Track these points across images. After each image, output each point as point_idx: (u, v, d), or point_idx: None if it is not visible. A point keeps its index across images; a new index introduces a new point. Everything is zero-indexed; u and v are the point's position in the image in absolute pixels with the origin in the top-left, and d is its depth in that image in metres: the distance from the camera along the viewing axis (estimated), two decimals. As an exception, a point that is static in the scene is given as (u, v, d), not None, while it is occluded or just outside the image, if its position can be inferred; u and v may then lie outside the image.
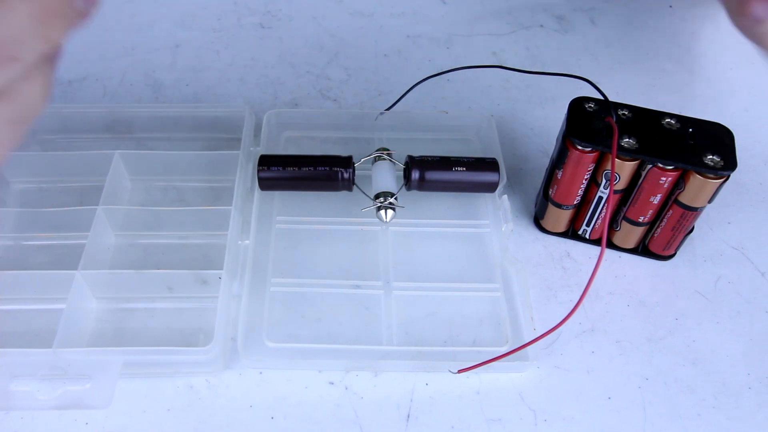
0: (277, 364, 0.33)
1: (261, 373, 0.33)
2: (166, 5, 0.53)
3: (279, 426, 0.31)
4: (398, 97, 0.43)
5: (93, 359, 0.30)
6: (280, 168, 0.37)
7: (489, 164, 0.38)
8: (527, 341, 0.32)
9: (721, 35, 0.53)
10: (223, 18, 0.52)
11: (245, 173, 0.39)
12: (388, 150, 0.39)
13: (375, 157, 0.39)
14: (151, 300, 0.34)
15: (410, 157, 0.38)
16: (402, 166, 0.39)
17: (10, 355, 0.30)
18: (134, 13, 0.52)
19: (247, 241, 0.36)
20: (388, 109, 0.42)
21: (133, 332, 0.33)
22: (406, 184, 0.38)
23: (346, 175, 0.37)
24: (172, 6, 0.53)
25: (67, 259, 0.35)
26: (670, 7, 0.55)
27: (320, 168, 0.37)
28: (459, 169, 0.38)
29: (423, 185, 0.38)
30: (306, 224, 0.38)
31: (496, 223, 0.39)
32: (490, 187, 0.38)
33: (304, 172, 0.37)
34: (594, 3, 0.55)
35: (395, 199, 0.37)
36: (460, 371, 0.32)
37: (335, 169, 0.37)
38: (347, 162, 0.37)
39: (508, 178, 0.41)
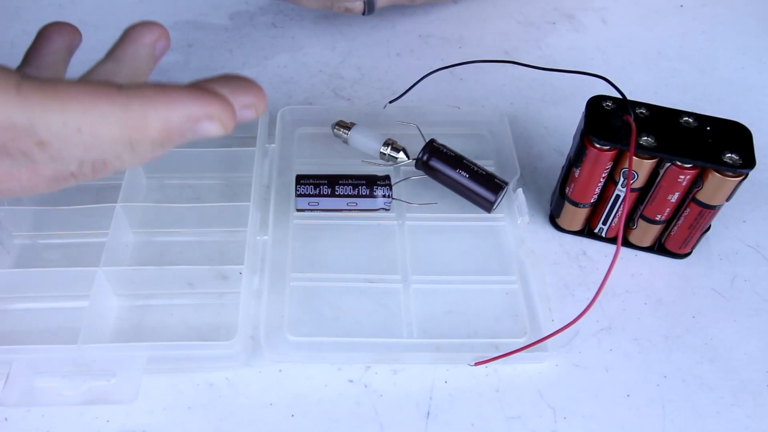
0: (299, 358, 0.33)
1: (280, 371, 0.33)
2: (178, 5, 0.53)
3: (299, 424, 0.31)
4: (406, 89, 0.43)
5: (118, 355, 0.30)
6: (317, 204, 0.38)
7: (493, 182, 0.38)
8: (545, 332, 0.33)
9: (733, 34, 0.53)
10: (235, 17, 0.52)
11: (261, 169, 0.39)
12: (394, 142, 0.40)
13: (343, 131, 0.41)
14: (171, 296, 0.34)
15: (432, 140, 0.39)
16: (403, 158, 0.40)
17: (35, 352, 0.30)
18: (147, 13, 0.52)
19: (265, 237, 0.36)
20: (397, 98, 0.42)
21: (153, 329, 0.33)
22: (416, 161, 0.39)
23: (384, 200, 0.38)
24: (185, 6, 0.53)
25: (86, 257, 0.35)
26: (681, 6, 0.55)
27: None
28: (462, 173, 0.38)
29: (428, 171, 0.39)
30: (323, 219, 0.38)
31: (511, 217, 0.39)
32: (485, 204, 0.38)
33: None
34: (605, 2, 0.55)
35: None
36: (477, 363, 0.32)
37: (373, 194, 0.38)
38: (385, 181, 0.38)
39: (522, 177, 0.41)
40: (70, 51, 0.30)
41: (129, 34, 0.28)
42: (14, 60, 0.49)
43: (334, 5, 0.48)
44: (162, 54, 0.28)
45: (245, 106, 0.23)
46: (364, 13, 0.49)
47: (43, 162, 0.21)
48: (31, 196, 0.25)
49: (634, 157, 0.33)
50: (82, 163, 0.24)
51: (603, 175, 0.35)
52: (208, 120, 0.21)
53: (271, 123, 0.42)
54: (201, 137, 0.21)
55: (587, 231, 0.39)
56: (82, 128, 0.20)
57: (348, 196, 0.37)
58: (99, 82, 0.20)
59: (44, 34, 0.29)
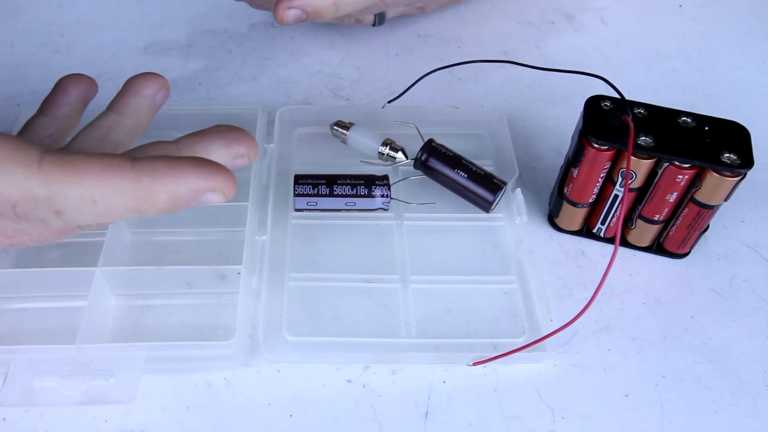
0: (298, 358, 0.33)
1: (279, 371, 0.33)
2: (177, 5, 0.53)
3: (298, 424, 0.31)
4: (405, 88, 0.43)
5: (116, 354, 0.30)
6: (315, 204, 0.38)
7: (492, 182, 0.38)
8: (544, 332, 0.33)
9: (732, 34, 0.53)
10: (234, 17, 0.52)
11: (260, 169, 0.39)
12: (393, 142, 0.40)
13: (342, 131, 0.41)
14: (169, 296, 0.34)
15: (431, 140, 0.39)
16: (402, 158, 0.40)
17: (34, 352, 0.30)
18: (146, 13, 0.52)
19: (264, 237, 0.36)
20: (395, 98, 0.42)
21: (152, 329, 0.33)
22: (415, 161, 0.39)
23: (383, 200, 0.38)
24: (184, 6, 0.53)
25: (84, 257, 0.35)
26: (680, 6, 0.55)
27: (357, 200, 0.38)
28: (461, 173, 0.38)
29: (426, 170, 0.39)
30: (322, 219, 0.38)
31: (510, 217, 0.39)
32: (483, 203, 0.38)
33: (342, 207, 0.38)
34: (604, 2, 0.55)
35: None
36: (475, 363, 0.32)
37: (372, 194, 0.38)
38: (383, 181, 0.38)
39: (521, 177, 0.41)
40: (85, 102, 0.32)
41: (130, 85, 0.30)
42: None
43: (345, 18, 0.48)
44: (162, 103, 0.30)
45: (238, 156, 0.26)
46: (374, 25, 0.49)
47: (56, 225, 0.24)
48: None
49: (633, 157, 0.33)
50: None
51: (601, 175, 0.35)
52: (211, 192, 0.23)
53: (270, 123, 0.42)
54: (202, 205, 0.23)
55: (586, 231, 0.39)
56: (96, 200, 0.22)
57: (346, 195, 0.37)
58: (113, 156, 0.23)
59: (62, 85, 0.31)
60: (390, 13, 0.50)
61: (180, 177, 0.22)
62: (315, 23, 0.52)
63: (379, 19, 0.49)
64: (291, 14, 0.39)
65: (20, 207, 0.22)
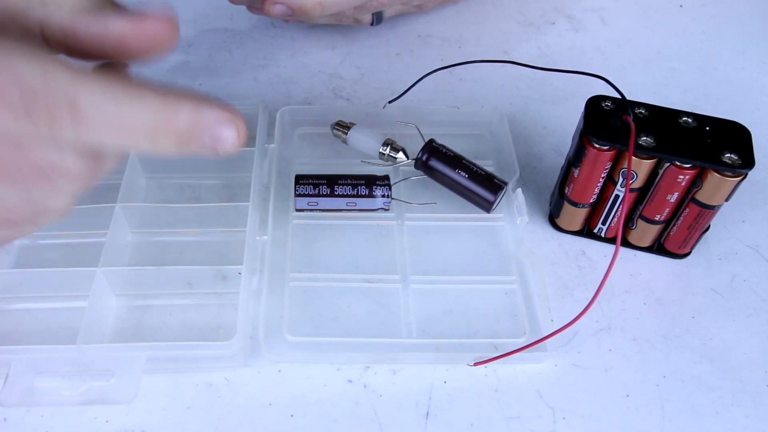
0: (298, 358, 0.33)
1: (280, 371, 0.33)
2: (177, 5, 0.53)
3: (299, 424, 0.31)
4: (406, 88, 0.43)
5: (117, 355, 0.30)
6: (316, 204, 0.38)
7: (493, 182, 0.38)
8: (545, 333, 0.33)
9: (733, 34, 0.53)
10: (235, 17, 0.52)
11: (261, 169, 0.39)
12: (393, 142, 0.40)
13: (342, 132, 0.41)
14: (170, 296, 0.34)
15: (431, 140, 0.39)
16: (403, 158, 0.40)
17: (34, 352, 0.30)
18: (146, 13, 0.52)
19: (264, 237, 0.36)
20: (396, 98, 0.42)
21: (152, 329, 0.33)
22: (415, 161, 0.39)
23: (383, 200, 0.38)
24: (184, 6, 0.53)
25: (85, 257, 0.35)
26: (681, 6, 0.55)
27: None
28: (462, 173, 0.38)
29: (427, 171, 0.39)
30: (322, 219, 0.38)
31: (510, 217, 0.39)
32: (484, 204, 0.38)
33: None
34: (605, 2, 0.55)
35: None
36: (476, 363, 0.32)
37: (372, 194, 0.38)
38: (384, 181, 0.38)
39: (521, 177, 0.41)
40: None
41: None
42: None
43: (343, 18, 0.48)
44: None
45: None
46: (372, 24, 0.49)
47: (68, 135, 0.21)
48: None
49: (633, 157, 0.33)
50: (78, 156, 0.23)
51: (602, 175, 0.35)
52: (227, 126, 0.22)
53: (271, 123, 0.42)
54: (214, 147, 0.22)
55: (586, 231, 0.39)
56: (119, 101, 0.21)
57: (347, 196, 0.37)
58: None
59: None
60: (388, 12, 0.50)
61: (202, 103, 0.22)
62: (315, 24, 0.52)
63: (377, 19, 0.49)
64: (277, 9, 0.41)
65: (36, 94, 0.20)
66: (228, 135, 0.22)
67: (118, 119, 0.21)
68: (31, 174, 0.23)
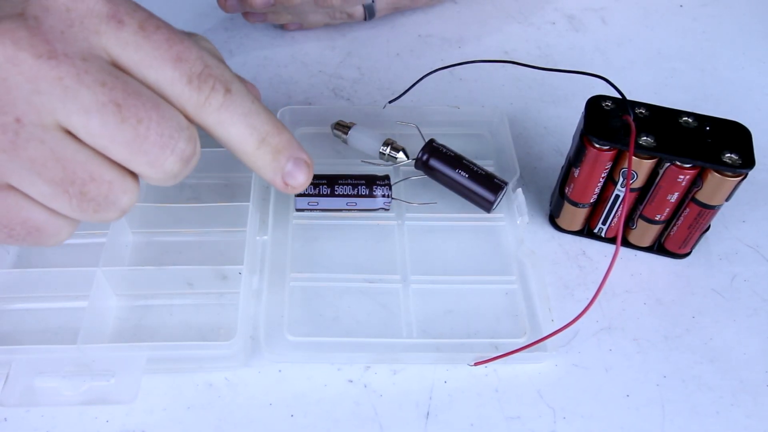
0: (299, 358, 0.33)
1: (280, 371, 0.33)
2: (177, 5, 0.53)
3: (299, 424, 0.31)
4: (406, 88, 0.43)
5: (117, 355, 0.30)
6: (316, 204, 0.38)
7: (493, 182, 0.38)
8: (545, 332, 0.33)
9: (733, 34, 0.53)
10: (235, 17, 0.52)
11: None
12: (394, 142, 0.40)
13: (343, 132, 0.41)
14: (170, 296, 0.34)
15: (431, 140, 0.39)
16: (403, 157, 0.40)
17: (35, 352, 0.30)
18: (146, 13, 0.52)
19: (265, 237, 0.36)
20: (396, 98, 0.42)
21: (153, 329, 0.33)
22: (416, 161, 0.39)
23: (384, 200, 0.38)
24: (185, 6, 0.53)
25: (85, 257, 0.35)
26: (681, 6, 0.55)
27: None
28: (462, 173, 0.38)
29: (427, 170, 0.39)
30: (323, 219, 0.38)
31: (511, 217, 0.39)
32: (484, 204, 0.38)
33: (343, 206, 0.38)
34: (605, 2, 0.55)
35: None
36: (476, 363, 0.32)
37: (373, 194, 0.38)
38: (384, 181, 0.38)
39: (522, 177, 0.41)
40: None
41: None
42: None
43: (335, 16, 0.48)
44: None
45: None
46: (365, 18, 0.49)
47: (206, 115, 0.23)
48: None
49: (634, 157, 0.33)
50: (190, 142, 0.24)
51: (602, 175, 0.35)
52: (305, 164, 0.26)
53: (271, 123, 0.42)
54: (285, 179, 0.26)
55: (587, 231, 0.39)
56: (255, 103, 0.24)
57: (347, 195, 0.37)
58: None
59: None
60: (379, 6, 0.50)
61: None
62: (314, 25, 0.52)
63: (369, 13, 0.49)
64: (230, 3, 0.46)
65: (211, 69, 0.23)
66: (301, 172, 0.26)
67: (249, 113, 0.24)
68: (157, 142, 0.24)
